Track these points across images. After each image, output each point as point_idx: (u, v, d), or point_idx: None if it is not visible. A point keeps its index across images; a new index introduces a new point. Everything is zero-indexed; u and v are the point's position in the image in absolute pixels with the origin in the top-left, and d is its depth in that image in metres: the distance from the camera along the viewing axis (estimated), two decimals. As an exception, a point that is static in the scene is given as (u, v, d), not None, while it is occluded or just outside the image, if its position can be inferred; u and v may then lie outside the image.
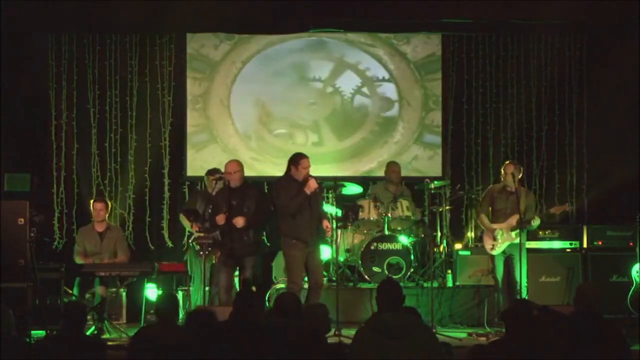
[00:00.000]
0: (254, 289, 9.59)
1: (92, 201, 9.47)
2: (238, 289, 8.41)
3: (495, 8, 10.27)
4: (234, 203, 8.35)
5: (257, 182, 9.82)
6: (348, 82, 11.03)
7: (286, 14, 10.36)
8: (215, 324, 5.38)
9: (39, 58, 10.62)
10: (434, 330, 8.21)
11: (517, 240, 8.60)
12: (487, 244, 8.85)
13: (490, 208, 8.93)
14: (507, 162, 9.04)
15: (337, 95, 11.04)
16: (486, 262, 9.31)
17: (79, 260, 9.05)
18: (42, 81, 10.66)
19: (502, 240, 8.73)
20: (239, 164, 8.55)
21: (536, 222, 8.71)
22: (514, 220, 8.66)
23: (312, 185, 8.26)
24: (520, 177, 8.89)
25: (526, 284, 8.63)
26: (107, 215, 9.32)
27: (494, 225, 8.79)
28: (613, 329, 5.34)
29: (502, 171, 8.89)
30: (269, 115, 11.03)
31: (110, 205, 9.53)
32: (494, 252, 8.80)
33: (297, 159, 8.37)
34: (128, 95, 10.75)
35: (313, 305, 5.75)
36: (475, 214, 9.37)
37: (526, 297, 8.47)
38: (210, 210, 8.57)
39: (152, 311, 8.50)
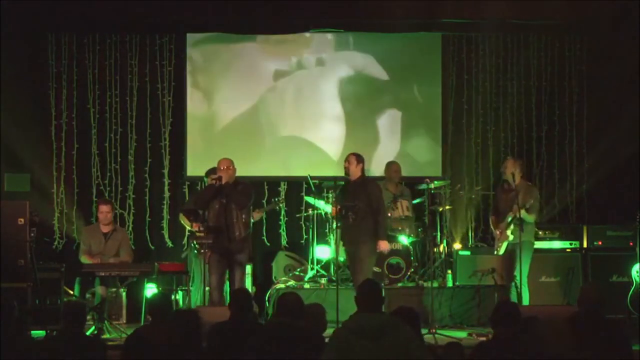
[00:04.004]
0: (253, 289, 9.64)
1: (97, 203, 9.45)
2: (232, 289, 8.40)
3: (495, 8, 10.26)
4: (223, 201, 8.36)
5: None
6: (345, 81, 11.03)
7: (286, 14, 10.35)
8: (199, 324, 5.39)
9: (39, 58, 10.62)
10: (433, 330, 8.27)
11: (512, 239, 8.56)
12: (495, 245, 8.87)
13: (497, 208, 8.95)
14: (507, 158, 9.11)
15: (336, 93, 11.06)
16: (486, 262, 9.31)
17: (84, 259, 9.03)
18: (42, 81, 10.66)
19: (501, 240, 8.71)
20: (230, 162, 8.56)
21: (525, 216, 8.52)
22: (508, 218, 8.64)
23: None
24: (517, 172, 8.78)
25: (526, 283, 8.61)
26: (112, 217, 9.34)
27: (497, 228, 8.79)
28: (615, 329, 5.34)
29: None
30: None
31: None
32: (497, 253, 8.79)
33: None
34: (128, 95, 10.73)
35: (310, 305, 5.74)
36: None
37: (525, 298, 8.48)
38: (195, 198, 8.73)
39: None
